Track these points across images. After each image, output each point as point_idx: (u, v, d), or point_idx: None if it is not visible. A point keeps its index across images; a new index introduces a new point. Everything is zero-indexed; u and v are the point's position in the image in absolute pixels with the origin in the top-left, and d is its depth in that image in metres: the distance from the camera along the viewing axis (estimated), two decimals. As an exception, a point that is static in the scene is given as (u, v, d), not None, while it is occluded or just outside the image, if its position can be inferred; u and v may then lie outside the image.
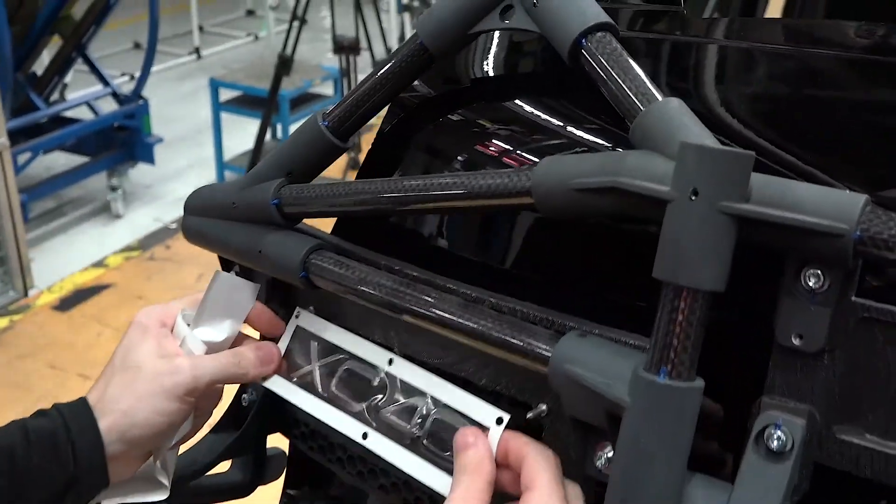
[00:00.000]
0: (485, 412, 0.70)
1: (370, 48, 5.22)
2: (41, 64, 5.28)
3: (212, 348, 0.84)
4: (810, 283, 0.54)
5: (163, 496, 0.84)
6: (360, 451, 0.83)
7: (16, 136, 4.30)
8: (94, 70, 5.14)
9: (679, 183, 0.53)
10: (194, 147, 5.90)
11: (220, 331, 0.85)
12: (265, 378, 0.86)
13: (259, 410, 0.90)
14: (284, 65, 4.66)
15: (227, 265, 0.90)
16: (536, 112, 0.82)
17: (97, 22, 4.97)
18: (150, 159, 5.09)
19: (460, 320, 0.67)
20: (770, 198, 0.52)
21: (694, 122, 0.59)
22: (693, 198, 0.52)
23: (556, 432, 0.69)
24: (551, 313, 0.66)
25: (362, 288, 0.73)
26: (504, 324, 0.65)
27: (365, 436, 0.78)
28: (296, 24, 4.81)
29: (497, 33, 0.93)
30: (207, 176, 5.36)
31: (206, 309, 0.85)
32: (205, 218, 0.86)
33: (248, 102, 5.26)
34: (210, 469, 0.90)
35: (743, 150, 0.52)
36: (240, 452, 0.93)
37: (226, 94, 5.45)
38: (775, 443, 0.54)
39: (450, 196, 0.67)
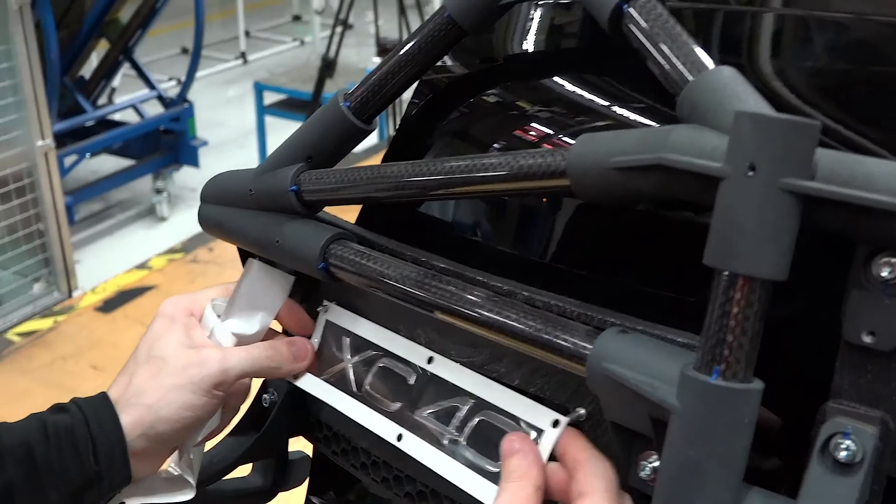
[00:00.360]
0: (539, 414, 0.64)
1: (414, 50, 5.17)
2: (89, 67, 5.33)
3: (242, 341, 0.79)
4: (883, 273, 0.47)
5: (189, 496, 0.80)
6: (387, 455, 0.77)
7: (63, 139, 4.34)
8: (141, 74, 5.17)
9: (734, 157, 0.46)
10: (239, 150, 5.92)
11: (251, 323, 0.80)
12: (296, 376, 0.81)
13: (281, 411, 0.85)
14: (328, 67, 4.65)
15: (246, 258, 0.85)
16: (577, 90, 0.76)
17: (144, 26, 5.00)
18: (194, 162, 5.11)
19: (490, 315, 0.61)
20: (838, 174, 0.46)
21: (749, 91, 0.52)
22: (750, 174, 0.46)
23: (595, 440, 0.63)
24: (590, 308, 0.60)
25: (385, 280, 0.67)
26: (538, 319, 0.59)
27: (400, 437, 0.73)
28: (339, 27, 4.79)
29: (537, 5, 0.87)
30: (251, 179, 5.36)
31: (237, 300, 0.80)
32: (221, 206, 0.81)
33: (292, 106, 5.26)
34: (228, 472, 0.85)
35: (807, 120, 0.46)
36: (260, 455, 0.88)
37: (270, 98, 5.45)
38: (843, 454, 0.48)
39: (479, 179, 0.61)
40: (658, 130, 0.53)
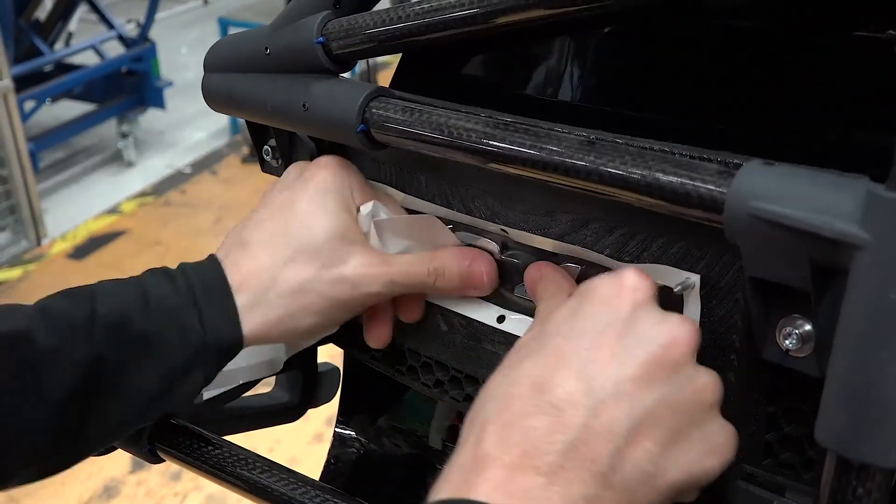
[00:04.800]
0: (666, 277, 0.53)
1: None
2: (45, 10, 5.08)
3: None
4: None
5: (279, 368, 0.73)
6: (439, 355, 0.67)
7: (21, 84, 4.12)
8: (99, 13, 4.94)
9: None
10: (206, 93, 5.71)
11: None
12: None
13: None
14: (296, -3, 4.44)
15: (260, 137, 0.73)
16: None
17: (100, -37, 4.77)
18: (160, 104, 4.91)
19: (590, 164, 0.49)
20: None
21: None
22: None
23: (710, 311, 0.53)
24: (703, 151, 0.49)
25: (451, 135, 0.55)
26: (652, 162, 0.47)
27: (501, 319, 0.63)
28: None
29: None
30: (221, 121, 5.18)
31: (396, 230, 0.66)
32: (231, 73, 0.69)
33: (259, 42, 5.04)
34: (249, 388, 0.74)
35: None
36: (286, 367, 0.76)
37: (236, 35, 5.24)
38: None
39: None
40: None
